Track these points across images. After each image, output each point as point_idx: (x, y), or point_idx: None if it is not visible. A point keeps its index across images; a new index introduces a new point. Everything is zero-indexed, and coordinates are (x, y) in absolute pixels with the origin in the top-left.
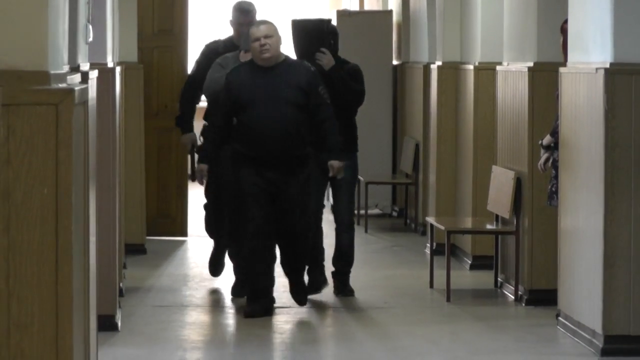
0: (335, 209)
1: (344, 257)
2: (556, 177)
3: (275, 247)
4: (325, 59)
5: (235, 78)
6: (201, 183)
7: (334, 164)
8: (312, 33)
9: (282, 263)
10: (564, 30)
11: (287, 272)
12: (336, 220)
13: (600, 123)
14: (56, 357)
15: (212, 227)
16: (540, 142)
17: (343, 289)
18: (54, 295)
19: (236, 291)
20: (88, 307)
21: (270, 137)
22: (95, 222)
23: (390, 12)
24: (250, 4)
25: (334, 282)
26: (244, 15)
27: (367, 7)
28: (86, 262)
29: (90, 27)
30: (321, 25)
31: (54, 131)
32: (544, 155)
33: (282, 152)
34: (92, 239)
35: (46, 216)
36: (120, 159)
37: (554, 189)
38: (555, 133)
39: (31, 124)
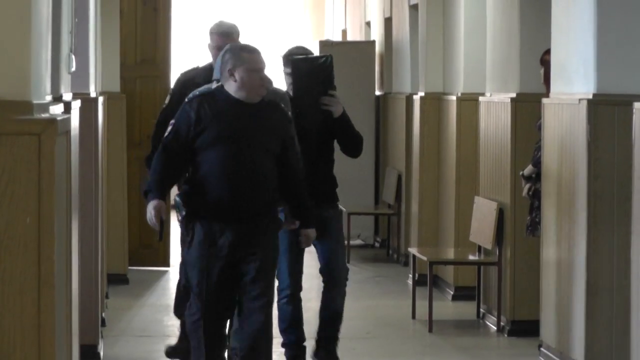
0: (328, 266)
1: (336, 321)
2: (539, 207)
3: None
4: (335, 105)
5: (197, 107)
6: (159, 228)
7: (310, 234)
8: (317, 74)
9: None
10: (544, 62)
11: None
12: (330, 279)
13: (583, 154)
14: None
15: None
16: (521, 173)
17: (331, 358)
18: (36, 324)
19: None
20: (70, 336)
21: (243, 187)
22: (77, 252)
23: (373, 42)
24: (233, 26)
25: (319, 350)
26: (224, 39)
27: (350, 38)
28: (68, 292)
29: (73, 56)
30: (327, 64)
31: (36, 161)
32: (526, 186)
33: (256, 208)
34: (75, 268)
35: (28, 245)
36: (102, 188)
37: (537, 220)
38: (537, 163)
39: (14, 153)
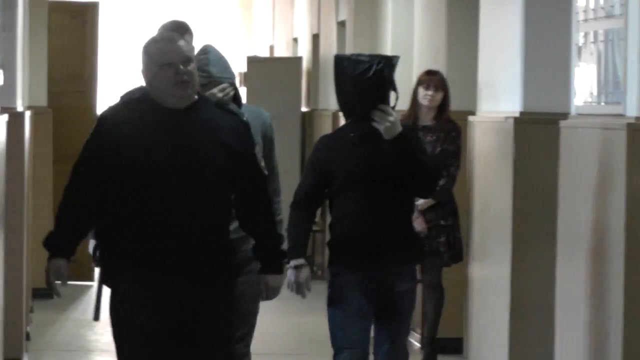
0: (389, 353)
1: None
2: (446, 243)
3: None
4: (388, 122)
5: (115, 123)
6: (58, 294)
7: (272, 282)
8: (366, 79)
9: None
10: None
11: None
12: None
13: (509, 172)
14: None
15: None
16: (418, 206)
17: None
18: None
19: None
20: None
21: (181, 224)
22: (2, 266)
23: (300, 59)
24: (184, 26)
25: None
26: None
27: (277, 54)
28: None
29: (1, 70)
30: (382, 68)
31: None
32: (418, 219)
33: (200, 254)
34: None
35: None
36: (28, 202)
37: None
38: (437, 194)
39: None
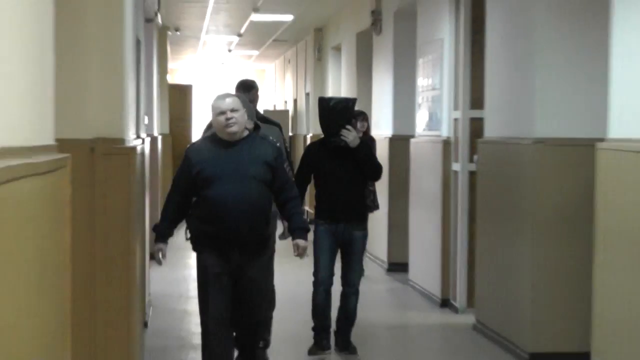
0: (345, 274)
1: (350, 318)
2: (374, 199)
3: (232, 335)
4: (351, 136)
5: (196, 152)
6: (160, 263)
7: (300, 243)
8: (338, 111)
9: (236, 339)
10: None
11: (240, 348)
12: (346, 284)
13: (388, 168)
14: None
15: None
16: (372, 188)
17: (347, 346)
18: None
19: None
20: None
21: (236, 214)
22: (147, 238)
23: (288, 111)
24: (252, 82)
25: (338, 340)
26: (246, 92)
27: (278, 108)
28: (132, 280)
29: (146, 116)
30: (347, 104)
31: (126, 170)
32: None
33: (249, 232)
34: (140, 253)
35: (122, 228)
36: (160, 187)
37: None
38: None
39: (114, 164)
